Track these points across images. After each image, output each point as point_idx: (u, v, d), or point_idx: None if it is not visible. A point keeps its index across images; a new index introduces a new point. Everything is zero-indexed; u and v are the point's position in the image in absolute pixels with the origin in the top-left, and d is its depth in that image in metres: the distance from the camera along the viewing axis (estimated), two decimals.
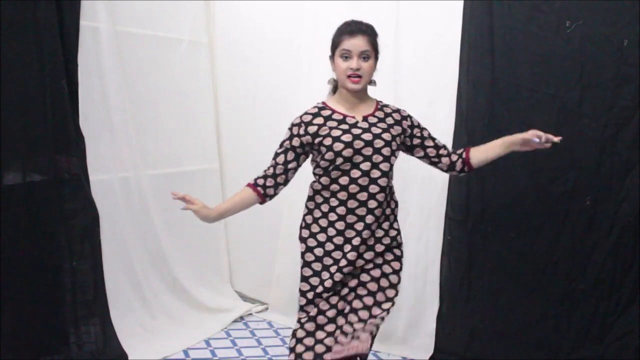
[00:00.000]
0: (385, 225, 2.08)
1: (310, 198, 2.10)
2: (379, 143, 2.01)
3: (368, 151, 2.00)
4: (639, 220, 2.45)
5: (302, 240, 2.10)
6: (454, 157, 2.17)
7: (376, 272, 2.06)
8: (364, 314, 2.00)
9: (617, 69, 2.42)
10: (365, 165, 2.00)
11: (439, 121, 2.90)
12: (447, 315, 2.90)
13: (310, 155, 2.11)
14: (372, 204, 2.01)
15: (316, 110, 2.09)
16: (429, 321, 2.98)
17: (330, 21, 3.17)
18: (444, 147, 2.19)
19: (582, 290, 2.57)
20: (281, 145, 2.10)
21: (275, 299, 3.54)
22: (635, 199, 2.44)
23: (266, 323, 3.50)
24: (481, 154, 2.18)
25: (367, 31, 2.05)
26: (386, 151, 2.02)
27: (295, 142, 2.07)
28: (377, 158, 2.01)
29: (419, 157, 2.20)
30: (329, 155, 1.99)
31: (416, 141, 2.15)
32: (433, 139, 2.18)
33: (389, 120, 2.09)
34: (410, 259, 3.05)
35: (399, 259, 2.13)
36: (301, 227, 2.12)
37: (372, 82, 2.09)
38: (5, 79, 2.40)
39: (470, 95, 2.75)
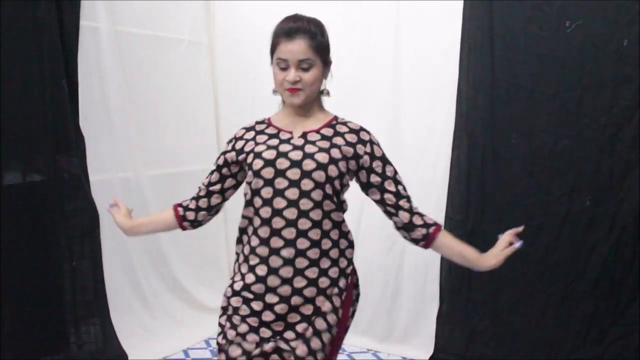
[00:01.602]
0: (333, 272, 1.60)
1: (238, 240, 1.68)
2: (309, 165, 1.54)
3: (294, 174, 1.54)
4: (639, 220, 2.45)
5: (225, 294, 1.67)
6: (417, 221, 1.64)
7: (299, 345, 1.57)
8: None
9: (617, 69, 2.42)
10: (292, 193, 1.54)
11: (439, 121, 2.91)
12: (447, 315, 2.90)
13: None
14: (303, 243, 1.55)
15: (253, 123, 1.72)
16: (429, 321, 2.98)
17: (330, 21, 3.19)
18: (408, 199, 1.65)
19: (582, 290, 2.57)
20: (216, 168, 1.74)
21: None
22: (635, 199, 2.44)
23: None
24: (449, 244, 1.67)
25: (309, 31, 1.60)
26: (319, 176, 1.54)
27: (221, 160, 1.70)
28: (306, 184, 1.54)
29: (375, 201, 1.67)
30: (249, 177, 1.60)
31: (374, 179, 1.63)
32: (397, 183, 1.65)
33: (337, 140, 1.60)
34: (410, 259, 3.06)
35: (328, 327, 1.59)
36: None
37: (323, 93, 1.70)
38: (5, 79, 2.40)
39: (470, 95, 2.75)
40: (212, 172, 1.73)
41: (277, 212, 1.55)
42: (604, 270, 2.52)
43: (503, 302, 2.76)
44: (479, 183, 2.76)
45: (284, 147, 1.58)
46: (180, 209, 1.77)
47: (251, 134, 1.67)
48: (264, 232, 1.56)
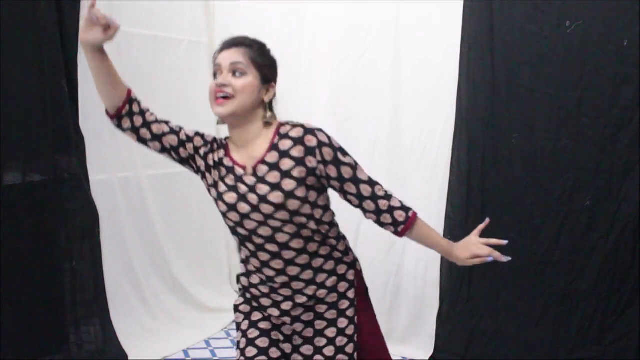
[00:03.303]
0: (330, 281, 1.59)
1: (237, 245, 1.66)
2: (267, 209, 1.47)
3: (258, 217, 1.49)
4: (639, 220, 2.45)
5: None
6: (386, 219, 1.57)
7: (308, 349, 1.60)
8: None
9: (617, 69, 2.42)
10: (265, 231, 1.50)
11: (439, 121, 2.91)
12: (447, 315, 2.90)
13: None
14: (293, 270, 1.54)
15: (220, 144, 1.63)
16: (429, 321, 2.98)
17: (331, 21, 3.20)
18: (373, 197, 1.54)
19: (582, 290, 2.57)
20: (181, 128, 1.64)
21: None
22: (635, 199, 2.44)
23: None
24: (419, 238, 1.63)
25: (248, 44, 1.55)
26: (282, 215, 1.48)
27: (190, 147, 1.60)
28: (273, 223, 1.49)
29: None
30: (219, 211, 1.58)
31: (333, 184, 1.53)
32: (357, 183, 1.53)
33: (285, 164, 1.48)
34: (410, 259, 3.06)
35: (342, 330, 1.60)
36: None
37: (268, 108, 1.55)
38: (5, 79, 2.40)
39: (470, 95, 2.75)
40: (175, 132, 1.61)
41: (260, 247, 1.53)
42: (604, 270, 2.52)
43: (503, 302, 2.76)
44: (479, 183, 2.76)
45: (241, 188, 1.51)
46: (131, 106, 1.58)
47: (215, 157, 1.59)
48: (255, 263, 1.56)
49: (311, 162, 1.48)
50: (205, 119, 3.55)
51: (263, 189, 1.48)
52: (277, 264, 1.53)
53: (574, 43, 2.49)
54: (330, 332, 1.60)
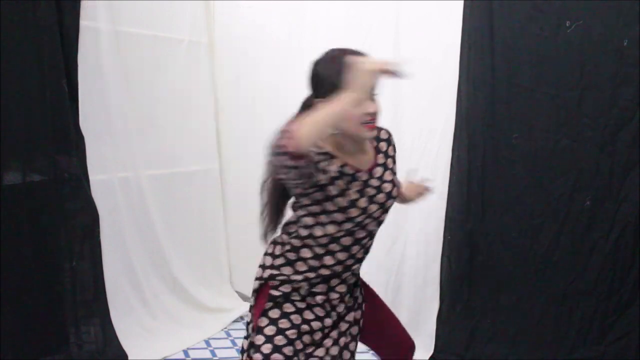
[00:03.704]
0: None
1: (294, 248, 1.70)
2: (390, 203, 1.73)
3: (379, 213, 1.69)
4: (639, 220, 2.45)
5: (270, 298, 1.71)
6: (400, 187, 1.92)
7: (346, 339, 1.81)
8: None
9: (617, 69, 2.42)
10: (372, 225, 1.71)
11: (439, 121, 2.91)
12: (447, 315, 2.90)
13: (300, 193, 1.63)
14: (356, 249, 1.73)
15: (323, 156, 1.62)
16: (429, 321, 2.98)
17: (331, 21, 3.19)
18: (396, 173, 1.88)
19: (582, 290, 2.57)
20: None
21: None
22: (635, 199, 2.44)
23: None
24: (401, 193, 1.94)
25: None
26: (392, 206, 1.77)
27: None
28: (384, 216, 1.73)
29: None
30: (339, 217, 1.61)
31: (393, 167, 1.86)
32: (395, 164, 1.87)
33: (389, 163, 1.78)
34: (410, 259, 3.06)
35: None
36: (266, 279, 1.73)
37: None
38: (5, 79, 2.40)
39: (470, 95, 2.75)
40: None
41: (357, 241, 1.69)
42: (604, 270, 2.52)
43: (503, 302, 2.76)
44: (479, 183, 2.76)
45: (369, 192, 1.66)
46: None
47: (334, 168, 1.60)
48: (341, 256, 1.69)
49: (395, 156, 1.82)
50: (204, 118, 3.59)
51: (387, 187, 1.72)
52: (361, 252, 1.73)
53: (574, 43, 2.49)
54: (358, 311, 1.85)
